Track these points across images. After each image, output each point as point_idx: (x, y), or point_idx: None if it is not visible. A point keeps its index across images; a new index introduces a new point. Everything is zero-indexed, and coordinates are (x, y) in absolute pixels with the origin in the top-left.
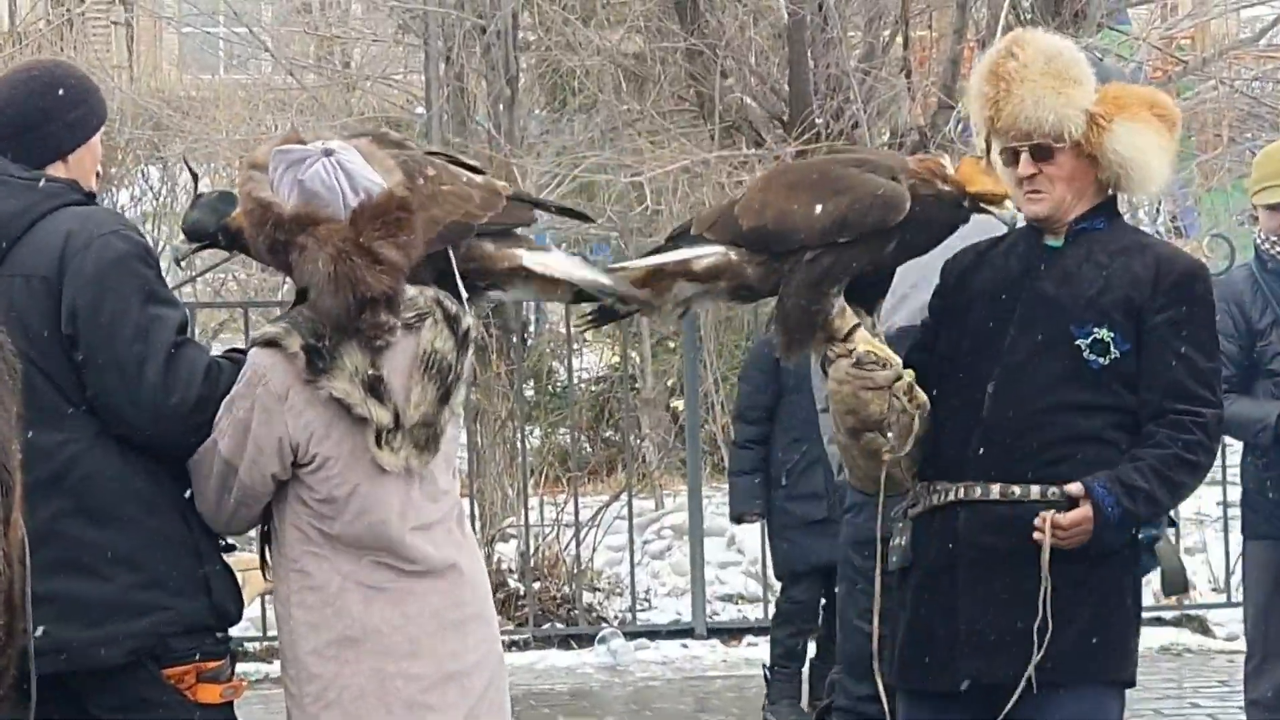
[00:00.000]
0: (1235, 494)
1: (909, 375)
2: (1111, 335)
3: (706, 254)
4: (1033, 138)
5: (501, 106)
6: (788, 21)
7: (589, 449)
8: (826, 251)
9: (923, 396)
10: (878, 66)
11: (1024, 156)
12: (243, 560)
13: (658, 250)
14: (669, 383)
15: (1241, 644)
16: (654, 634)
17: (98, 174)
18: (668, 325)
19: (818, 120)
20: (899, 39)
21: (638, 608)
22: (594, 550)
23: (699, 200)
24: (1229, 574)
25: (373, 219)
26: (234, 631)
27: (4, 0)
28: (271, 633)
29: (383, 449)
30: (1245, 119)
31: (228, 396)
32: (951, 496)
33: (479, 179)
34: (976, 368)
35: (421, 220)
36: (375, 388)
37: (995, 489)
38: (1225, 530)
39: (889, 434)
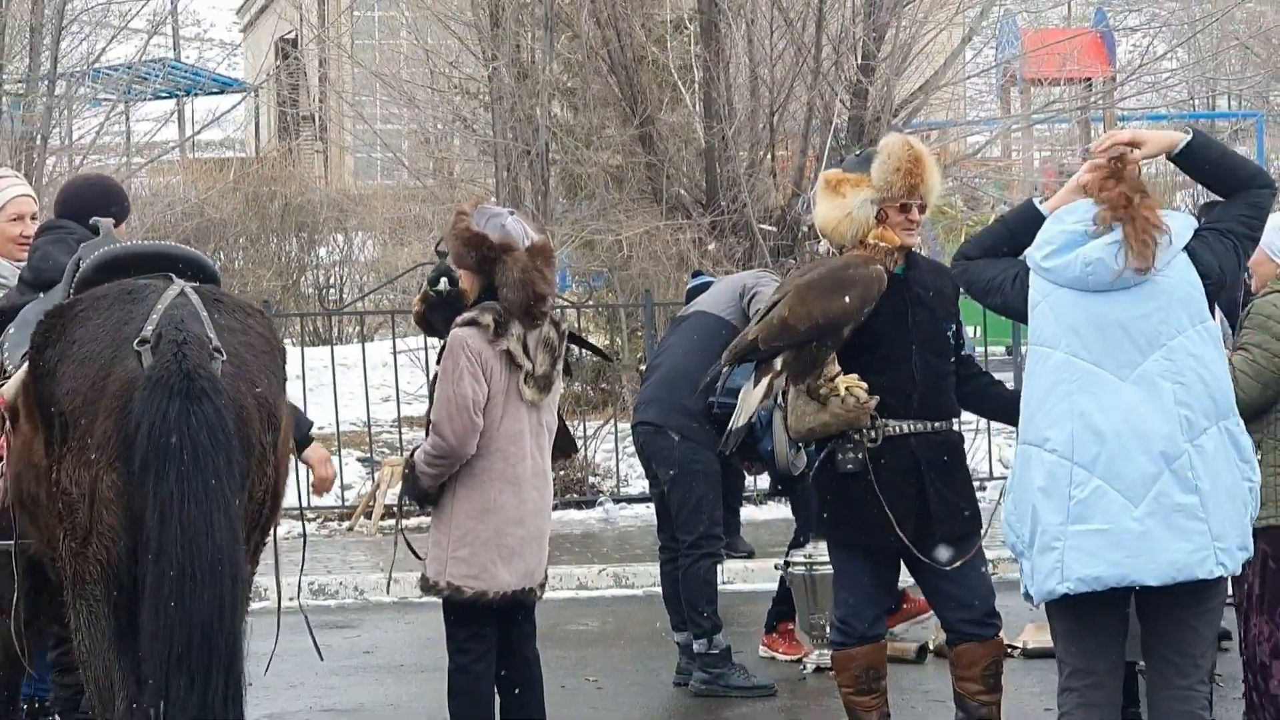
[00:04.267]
0: None
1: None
2: (955, 327)
3: (776, 361)
4: (924, 200)
5: (540, 196)
6: (704, 146)
7: (593, 394)
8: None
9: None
10: (756, 172)
11: (915, 209)
12: (391, 461)
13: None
14: (638, 355)
15: None
16: (632, 500)
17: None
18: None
19: (722, 203)
20: (769, 156)
21: (621, 484)
22: (595, 451)
23: (654, 250)
24: None
25: (538, 254)
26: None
27: (253, 137)
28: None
29: (526, 386)
30: (969, 201)
31: (442, 368)
32: (906, 429)
33: None
34: (897, 345)
35: None
36: (525, 350)
37: (929, 425)
38: None
39: (866, 430)
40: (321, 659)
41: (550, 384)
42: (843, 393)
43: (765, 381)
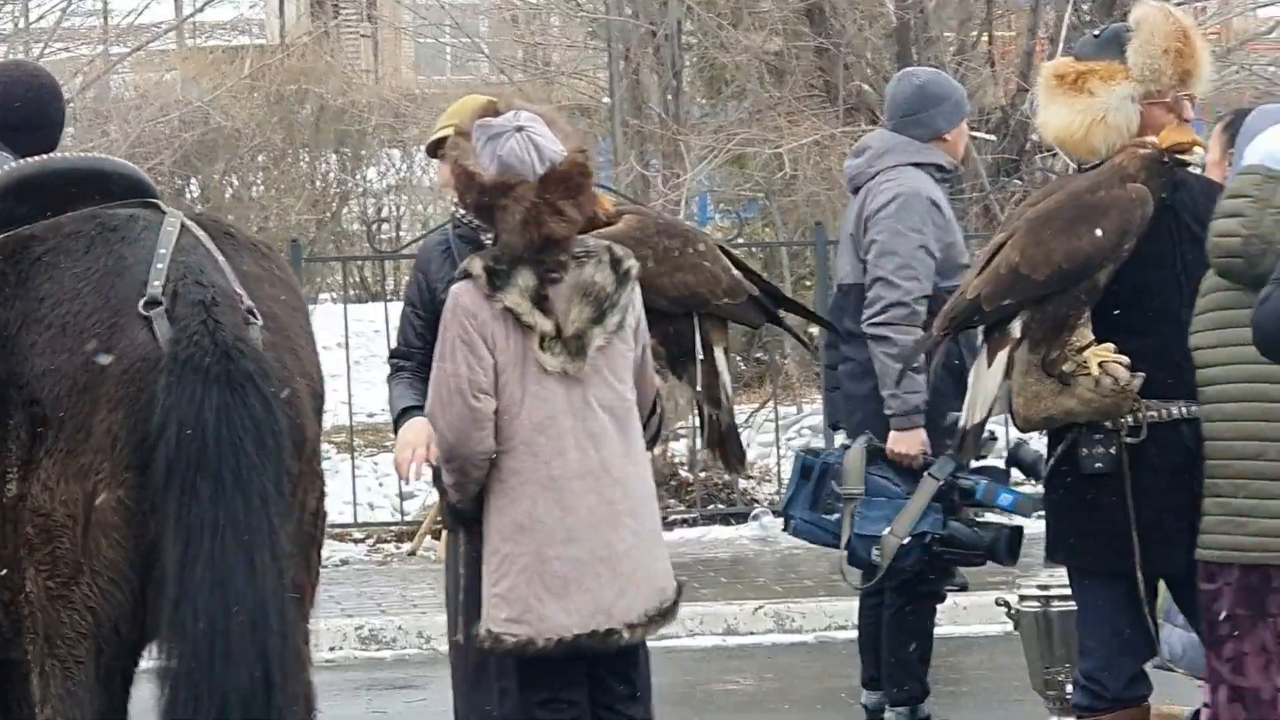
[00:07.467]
0: None
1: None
2: None
3: (1012, 328)
4: (1194, 91)
5: (669, 95)
6: (896, 24)
7: (744, 367)
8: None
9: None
10: (968, 59)
11: (1188, 105)
12: None
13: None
14: None
15: None
16: None
17: None
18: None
19: None
20: (984, 37)
21: (783, 492)
22: (748, 446)
23: (827, 167)
24: None
25: (557, 183)
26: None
27: (275, 17)
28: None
29: (544, 352)
30: (1261, 96)
31: (440, 332)
32: (1176, 413)
33: (736, 272)
34: (1162, 296)
35: (673, 279)
36: (541, 303)
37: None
38: None
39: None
40: None
41: (585, 349)
42: (1095, 371)
43: (1001, 357)
